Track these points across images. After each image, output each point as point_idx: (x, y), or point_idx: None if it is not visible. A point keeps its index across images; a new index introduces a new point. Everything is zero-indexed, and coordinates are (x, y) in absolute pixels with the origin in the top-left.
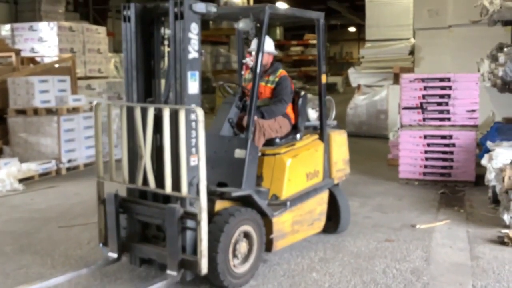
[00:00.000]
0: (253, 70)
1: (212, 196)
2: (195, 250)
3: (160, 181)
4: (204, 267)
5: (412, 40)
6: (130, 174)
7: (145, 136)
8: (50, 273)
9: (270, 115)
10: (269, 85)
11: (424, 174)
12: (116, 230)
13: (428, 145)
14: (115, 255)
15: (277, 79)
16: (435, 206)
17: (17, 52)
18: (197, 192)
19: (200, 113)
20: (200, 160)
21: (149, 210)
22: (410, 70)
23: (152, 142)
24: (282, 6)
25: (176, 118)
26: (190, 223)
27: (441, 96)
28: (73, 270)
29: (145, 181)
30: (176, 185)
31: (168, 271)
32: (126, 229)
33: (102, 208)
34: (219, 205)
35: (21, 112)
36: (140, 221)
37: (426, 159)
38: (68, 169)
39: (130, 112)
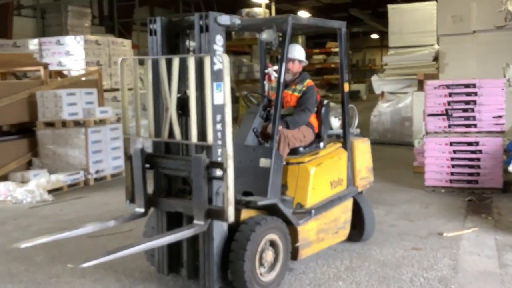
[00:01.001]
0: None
1: (238, 205)
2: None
3: (185, 134)
4: (230, 215)
5: (436, 46)
6: (156, 128)
7: (171, 87)
8: (80, 282)
9: (294, 125)
10: (296, 93)
11: (451, 181)
12: (143, 185)
13: (454, 152)
14: (142, 210)
15: (304, 88)
16: (462, 213)
17: (45, 66)
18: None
19: (225, 59)
20: (226, 106)
21: (175, 163)
22: (435, 76)
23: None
24: (304, 15)
25: (201, 67)
26: (216, 172)
27: (467, 103)
28: (103, 278)
29: (171, 135)
30: (202, 135)
31: (195, 221)
32: (153, 184)
33: (128, 165)
34: (245, 214)
35: (50, 124)
36: (166, 176)
37: (453, 166)
38: (95, 179)
39: (155, 66)
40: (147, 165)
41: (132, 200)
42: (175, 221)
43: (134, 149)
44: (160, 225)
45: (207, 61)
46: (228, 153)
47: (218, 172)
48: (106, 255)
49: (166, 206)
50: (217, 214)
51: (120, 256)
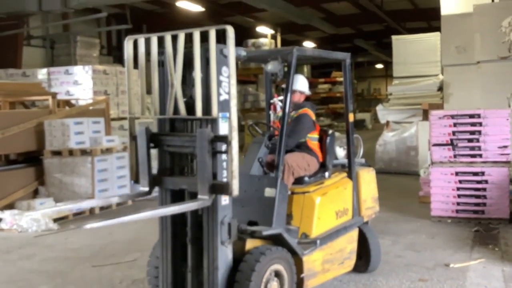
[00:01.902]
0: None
1: (243, 235)
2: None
3: (190, 110)
4: (235, 189)
5: (441, 77)
6: (161, 106)
7: (176, 63)
8: None
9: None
10: (289, 120)
11: (457, 211)
12: (147, 165)
13: (460, 182)
14: (146, 189)
15: (295, 115)
16: (469, 244)
17: (53, 95)
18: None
19: (230, 30)
20: (231, 77)
21: (180, 139)
22: (439, 106)
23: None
24: (309, 45)
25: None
26: (220, 147)
27: (472, 133)
28: None
29: (176, 112)
30: (206, 110)
31: (200, 196)
32: (158, 164)
33: (133, 145)
34: (250, 244)
35: (57, 153)
36: (170, 154)
37: (459, 196)
38: (101, 208)
39: (160, 42)
40: (151, 145)
41: (136, 180)
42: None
43: (140, 129)
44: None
45: (212, 34)
46: (232, 125)
47: (223, 147)
48: (111, 218)
49: (170, 184)
50: (221, 188)
51: (123, 221)
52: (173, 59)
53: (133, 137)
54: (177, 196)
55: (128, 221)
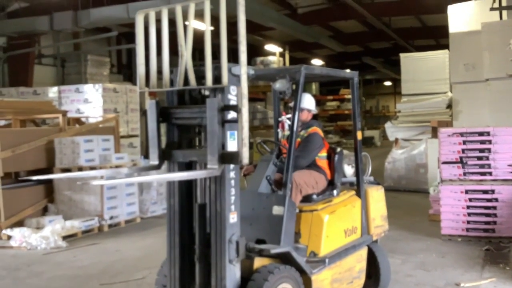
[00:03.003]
0: (290, 128)
1: (251, 254)
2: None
3: (200, 82)
4: (245, 157)
5: (449, 94)
6: (171, 79)
7: (186, 34)
8: None
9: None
10: (298, 139)
11: (467, 229)
12: (157, 138)
13: (470, 200)
14: (156, 163)
15: (305, 135)
16: (480, 263)
17: (64, 113)
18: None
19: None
20: (241, 44)
21: (189, 111)
22: (449, 124)
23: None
24: (317, 63)
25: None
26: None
27: (481, 150)
28: None
29: (186, 83)
30: (216, 79)
31: (209, 166)
32: (166, 138)
33: (143, 120)
34: (258, 262)
35: (67, 170)
36: (179, 127)
37: (469, 214)
38: (110, 225)
39: (171, 14)
40: (161, 119)
41: (146, 156)
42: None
43: (150, 102)
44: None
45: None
46: (243, 92)
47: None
48: (124, 177)
49: (180, 156)
50: (230, 157)
51: (133, 181)
52: (183, 30)
53: (143, 112)
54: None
55: (137, 181)
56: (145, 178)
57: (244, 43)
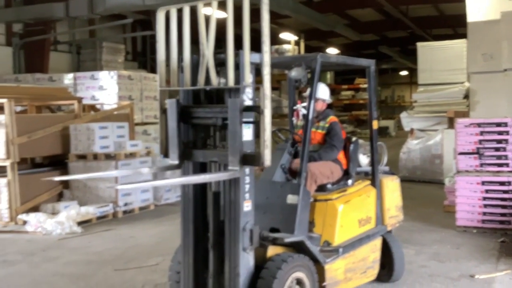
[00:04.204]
0: (305, 116)
1: (264, 242)
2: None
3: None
4: (267, 159)
5: (467, 84)
6: (192, 77)
7: (208, 32)
8: None
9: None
10: (319, 130)
11: (483, 221)
12: (177, 137)
13: (486, 191)
14: (176, 162)
15: (327, 125)
16: (495, 255)
17: (79, 100)
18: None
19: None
20: (264, 44)
21: (210, 111)
22: (465, 114)
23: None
24: (332, 52)
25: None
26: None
27: (499, 141)
28: None
29: (207, 82)
30: (238, 80)
31: (230, 167)
32: (187, 137)
33: (163, 118)
34: (272, 251)
35: (82, 157)
36: (200, 127)
37: (485, 206)
38: (124, 212)
39: (193, 13)
40: (181, 117)
41: (166, 154)
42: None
43: (170, 101)
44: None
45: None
46: (265, 93)
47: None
48: (141, 182)
49: (200, 156)
50: (252, 159)
51: (155, 184)
52: (205, 28)
53: (163, 110)
54: (200, 171)
55: (159, 185)
56: (169, 182)
57: (267, 43)
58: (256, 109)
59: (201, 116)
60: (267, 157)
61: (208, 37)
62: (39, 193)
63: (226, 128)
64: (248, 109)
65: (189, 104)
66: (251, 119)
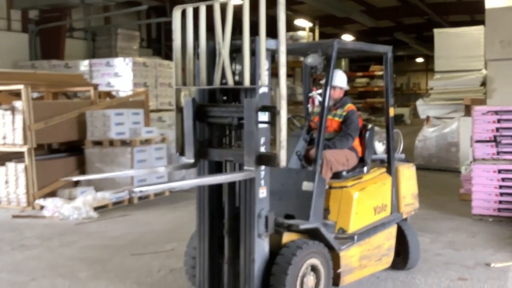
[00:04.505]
0: (321, 103)
1: (279, 228)
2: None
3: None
4: (283, 160)
5: (484, 71)
6: (208, 77)
7: (224, 31)
8: None
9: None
10: (336, 118)
11: (499, 210)
12: (193, 136)
13: (503, 180)
14: (191, 161)
15: (344, 113)
16: (511, 244)
17: (95, 87)
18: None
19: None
20: (281, 43)
21: (226, 110)
22: (482, 102)
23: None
24: (348, 39)
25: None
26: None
27: None
28: None
29: (222, 81)
30: (253, 79)
31: (246, 167)
32: (202, 136)
33: (179, 117)
34: (287, 237)
35: (98, 143)
36: (216, 126)
37: (501, 194)
38: (140, 198)
39: (209, 10)
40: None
41: (182, 153)
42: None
43: (186, 100)
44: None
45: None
46: (282, 93)
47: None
48: (159, 184)
49: (216, 155)
50: (268, 159)
51: (171, 187)
52: (221, 27)
53: (179, 109)
54: (215, 169)
55: (176, 187)
56: (186, 183)
57: (283, 43)
58: (272, 109)
59: (216, 115)
60: (282, 158)
61: (224, 37)
62: (56, 178)
63: (241, 127)
64: (264, 109)
65: (205, 103)
66: (267, 119)
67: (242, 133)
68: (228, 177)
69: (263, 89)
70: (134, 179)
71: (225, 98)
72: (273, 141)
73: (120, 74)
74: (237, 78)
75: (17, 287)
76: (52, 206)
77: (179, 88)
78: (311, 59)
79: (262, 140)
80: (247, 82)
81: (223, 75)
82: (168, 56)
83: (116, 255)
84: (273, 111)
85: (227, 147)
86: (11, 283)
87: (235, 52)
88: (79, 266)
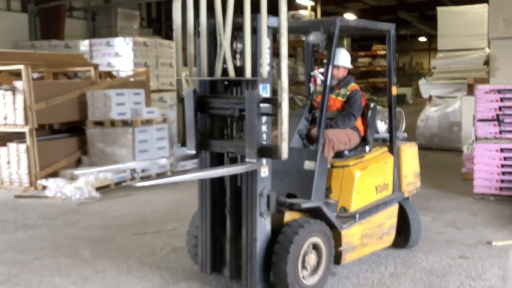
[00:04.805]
0: (323, 82)
1: (281, 207)
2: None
3: (238, 72)
4: (284, 152)
5: (487, 50)
6: (209, 68)
7: (225, 22)
8: (126, 278)
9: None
10: (339, 98)
11: (501, 189)
12: (194, 127)
13: (505, 158)
14: (193, 152)
15: (348, 93)
16: None
17: (95, 67)
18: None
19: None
20: (282, 36)
21: (228, 101)
22: (485, 81)
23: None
24: (350, 17)
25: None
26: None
27: None
28: (147, 275)
29: (223, 73)
30: (255, 72)
31: (247, 159)
32: (203, 127)
33: (180, 108)
34: (289, 216)
35: (99, 123)
36: (217, 117)
37: (503, 173)
38: (141, 178)
39: (210, 3)
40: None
41: (183, 144)
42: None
43: (187, 91)
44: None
45: None
46: (283, 86)
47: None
48: (160, 178)
49: (218, 147)
50: (269, 151)
51: (174, 180)
52: (222, 18)
53: (180, 99)
54: (217, 160)
55: (178, 181)
56: (187, 177)
57: (285, 35)
58: (273, 101)
59: (218, 106)
60: (284, 150)
61: (225, 28)
62: (57, 159)
63: (243, 119)
64: (265, 101)
65: (206, 94)
66: (268, 111)
67: (244, 124)
68: (230, 170)
69: (266, 68)
70: (136, 159)
71: (226, 83)
72: (274, 122)
73: (120, 54)
74: (238, 56)
75: (20, 266)
76: (55, 186)
77: (180, 79)
78: (313, 37)
79: (264, 131)
80: (248, 74)
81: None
82: (168, 36)
83: (119, 234)
84: (275, 103)
85: (229, 138)
86: (15, 262)
87: (237, 30)
88: (82, 245)
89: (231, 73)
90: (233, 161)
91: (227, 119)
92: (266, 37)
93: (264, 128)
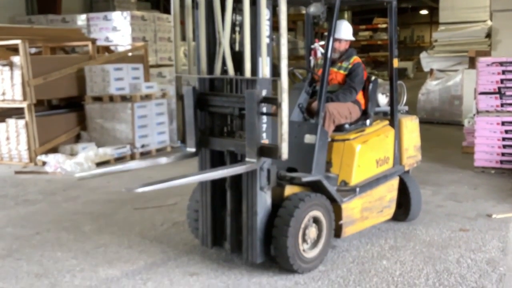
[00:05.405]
0: (324, 55)
1: (282, 181)
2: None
3: (238, 70)
4: (284, 152)
5: (489, 23)
6: (208, 66)
7: (224, 21)
8: (127, 252)
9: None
10: (341, 71)
11: (501, 162)
12: (194, 125)
13: (506, 132)
14: (193, 150)
15: (350, 66)
16: None
17: (93, 41)
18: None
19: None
20: (282, 36)
21: (228, 100)
22: (487, 53)
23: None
24: None
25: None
26: (269, 108)
27: None
28: (148, 249)
29: (223, 71)
30: (255, 71)
31: (247, 159)
32: (203, 125)
33: (180, 105)
34: (289, 190)
35: (98, 99)
36: (217, 115)
37: (504, 146)
38: (141, 154)
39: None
40: (198, 105)
41: (183, 140)
42: (219, 165)
43: (186, 88)
44: (204, 168)
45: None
46: (283, 86)
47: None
48: (161, 182)
49: (218, 145)
50: (269, 151)
51: (174, 185)
52: (221, 17)
53: (180, 97)
54: (216, 157)
55: (178, 185)
56: (187, 180)
57: (285, 36)
58: (273, 101)
59: (217, 104)
60: (284, 150)
61: (224, 25)
62: (57, 134)
63: (243, 117)
64: (265, 100)
65: (206, 91)
66: (268, 111)
67: (244, 123)
68: (230, 170)
69: (265, 40)
70: (135, 134)
71: (227, 86)
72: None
73: (118, 28)
74: (237, 29)
75: (22, 241)
76: (54, 162)
77: (180, 76)
78: (313, 8)
79: (264, 129)
80: (248, 73)
81: (224, 64)
82: (166, 9)
83: (120, 209)
84: (275, 103)
85: (229, 136)
86: (16, 237)
87: (236, 2)
88: (83, 220)
89: (231, 71)
90: (233, 157)
91: (227, 117)
92: (265, 8)
93: (264, 127)
